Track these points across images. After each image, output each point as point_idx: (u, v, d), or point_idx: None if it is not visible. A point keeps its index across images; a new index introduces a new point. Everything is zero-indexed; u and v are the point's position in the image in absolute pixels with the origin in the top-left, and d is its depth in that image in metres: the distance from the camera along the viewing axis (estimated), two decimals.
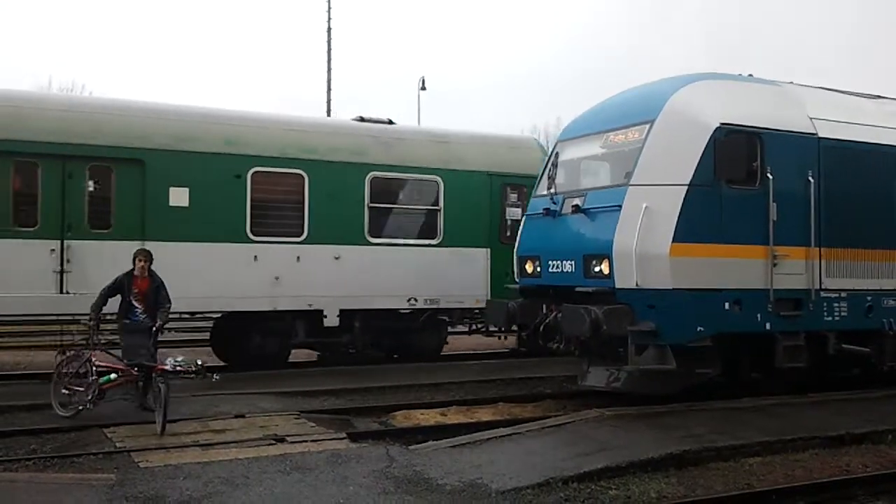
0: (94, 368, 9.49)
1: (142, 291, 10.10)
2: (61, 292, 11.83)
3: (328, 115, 29.40)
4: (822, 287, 10.71)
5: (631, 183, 10.03)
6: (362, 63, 66.49)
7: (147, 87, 56.33)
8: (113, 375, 9.52)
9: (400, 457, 8.11)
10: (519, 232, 11.96)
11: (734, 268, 10.09)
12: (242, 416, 9.92)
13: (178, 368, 9.26)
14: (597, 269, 10.10)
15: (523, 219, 11.99)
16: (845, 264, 10.93)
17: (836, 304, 10.83)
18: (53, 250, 11.81)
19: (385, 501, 6.85)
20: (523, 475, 7.51)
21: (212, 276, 12.61)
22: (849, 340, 10.93)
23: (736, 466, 8.07)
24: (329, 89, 31.58)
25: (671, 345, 9.77)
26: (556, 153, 11.67)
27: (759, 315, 10.22)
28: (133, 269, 10.17)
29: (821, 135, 10.87)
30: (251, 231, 13.06)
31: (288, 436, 8.96)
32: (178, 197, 12.49)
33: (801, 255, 10.54)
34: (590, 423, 9.31)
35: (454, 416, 10.91)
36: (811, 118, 10.94)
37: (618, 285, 9.85)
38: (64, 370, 9.93)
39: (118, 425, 9.41)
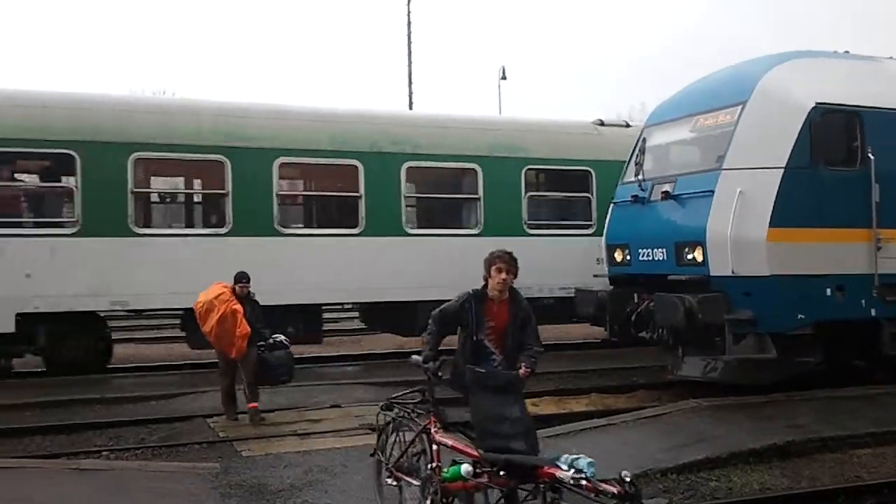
0: (433, 449, 5.34)
1: (500, 326, 5.80)
2: None
3: (410, 108, 29.53)
4: None
5: (724, 167, 9.77)
6: (435, 54, 66.66)
7: (229, 86, 57.86)
8: (466, 468, 5.01)
9: None
10: (607, 220, 11.80)
11: (835, 252, 9.74)
12: (338, 406, 10.13)
13: (585, 482, 4.61)
14: (689, 256, 9.88)
15: (611, 206, 11.82)
16: None
17: None
18: None
19: None
20: (620, 466, 7.33)
21: None
22: None
23: (843, 458, 7.81)
24: (410, 82, 31.72)
25: (770, 333, 9.51)
26: (643, 139, 11.46)
27: (863, 301, 9.85)
28: (485, 287, 5.81)
29: None
30: None
31: None
32: None
33: None
34: (687, 413, 9.13)
35: (546, 407, 10.85)
36: None
37: (712, 273, 9.61)
38: (390, 441, 5.93)
39: (220, 415, 9.73)
